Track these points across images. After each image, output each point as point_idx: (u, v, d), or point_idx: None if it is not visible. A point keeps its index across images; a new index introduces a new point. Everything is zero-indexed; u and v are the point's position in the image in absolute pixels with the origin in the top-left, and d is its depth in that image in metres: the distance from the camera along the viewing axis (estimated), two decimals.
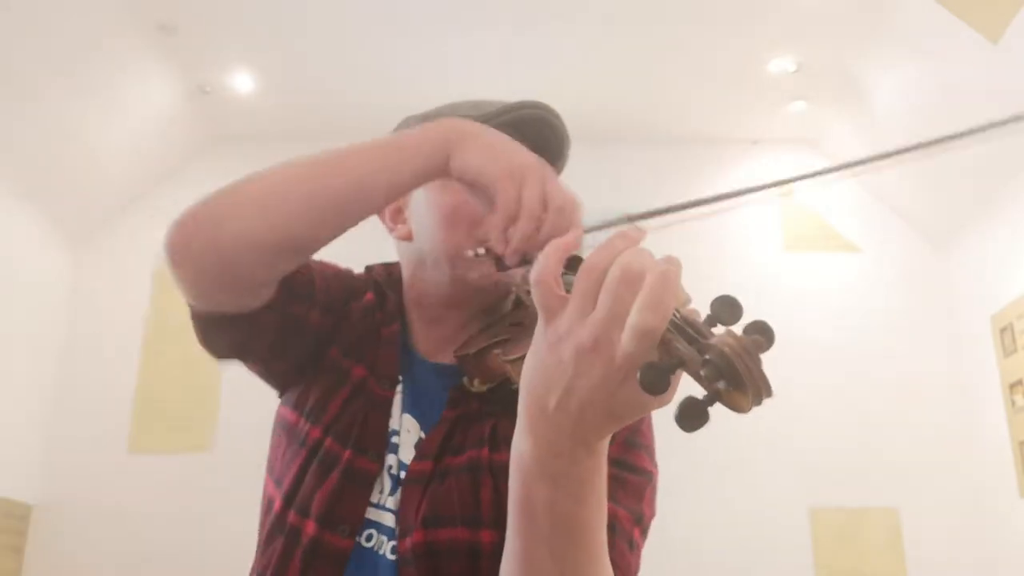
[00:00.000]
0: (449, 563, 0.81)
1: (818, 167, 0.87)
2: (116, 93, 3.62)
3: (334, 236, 0.84)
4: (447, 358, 0.93)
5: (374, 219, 0.93)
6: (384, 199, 0.86)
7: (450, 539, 0.81)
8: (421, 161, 0.82)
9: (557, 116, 0.97)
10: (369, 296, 1.01)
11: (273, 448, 0.97)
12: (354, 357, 0.96)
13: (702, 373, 0.48)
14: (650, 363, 0.48)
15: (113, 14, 3.28)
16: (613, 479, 0.80)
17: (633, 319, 0.49)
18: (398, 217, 1.01)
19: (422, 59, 3.65)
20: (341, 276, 1.03)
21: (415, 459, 0.88)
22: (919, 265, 4.09)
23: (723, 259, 4.02)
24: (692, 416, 0.47)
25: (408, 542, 0.82)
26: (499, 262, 0.80)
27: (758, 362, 0.47)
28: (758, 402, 0.47)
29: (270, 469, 0.96)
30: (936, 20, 3.07)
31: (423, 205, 0.97)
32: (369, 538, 0.86)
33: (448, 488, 0.84)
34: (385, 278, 1.04)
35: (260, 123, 4.15)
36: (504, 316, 0.94)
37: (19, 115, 3.29)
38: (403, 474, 0.88)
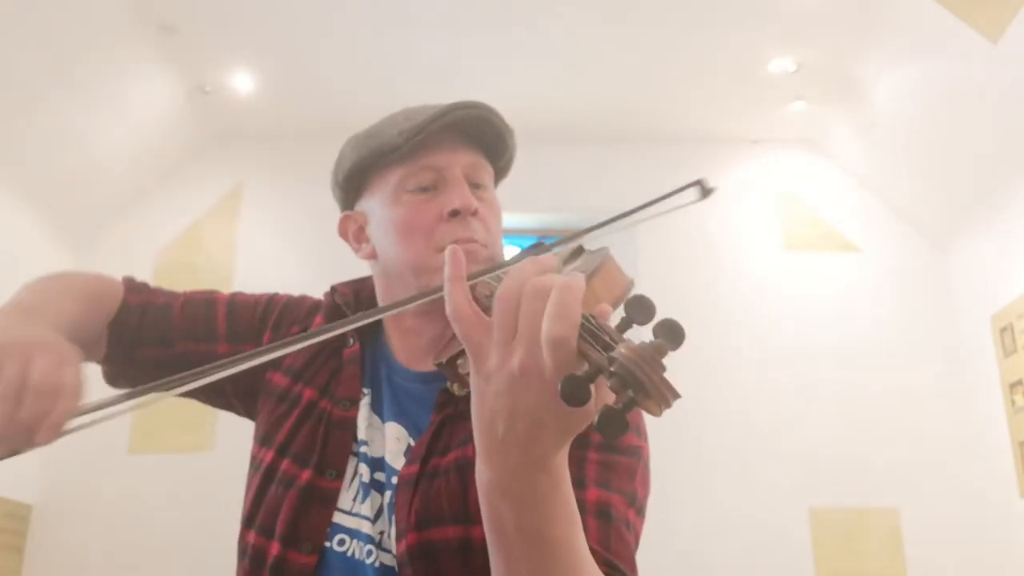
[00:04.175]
0: (444, 561, 0.82)
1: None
2: (116, 93, 3.62)
3: None
4: (430, 366, 0.94)
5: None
6: None
7: (442, 538, 0.83)
8: None
9: (494, 112, 0.99)
10: (319, 320, 1.04)
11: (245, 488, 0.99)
12: (303, 380, 0.99)
13: (610, 384, 0.49)
14: (570, 375, 0.49)
15: (113, 14, 3.28)
16: (602, 464, 0.83)
17: (544, 331, 0.50)
18: (360, 236, 1.02)
19: (422, 59, 3.65)
20: (260, 304, 1.07)
21: (405, 464, 0.90)
22: (919, 265, 4.08)
23: (723, 259, 4.02)
24: (610, 424, 0.48)
25: (403, 544, 0.84)
26: None
27: (659, 369, 0.48)
28: (667, 406, 0.48)
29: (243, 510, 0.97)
30: (936, 20, 3.07)
31: (379, 222, 0.98)
32: (341, 543, 0.88)
33: (437, 489, 0.86)
34: (352, 299, 1.05)
35: (260, 123, 4.15)
36: None
37: (19, 115, 3.29)
38: (396, 478, 0.89)
